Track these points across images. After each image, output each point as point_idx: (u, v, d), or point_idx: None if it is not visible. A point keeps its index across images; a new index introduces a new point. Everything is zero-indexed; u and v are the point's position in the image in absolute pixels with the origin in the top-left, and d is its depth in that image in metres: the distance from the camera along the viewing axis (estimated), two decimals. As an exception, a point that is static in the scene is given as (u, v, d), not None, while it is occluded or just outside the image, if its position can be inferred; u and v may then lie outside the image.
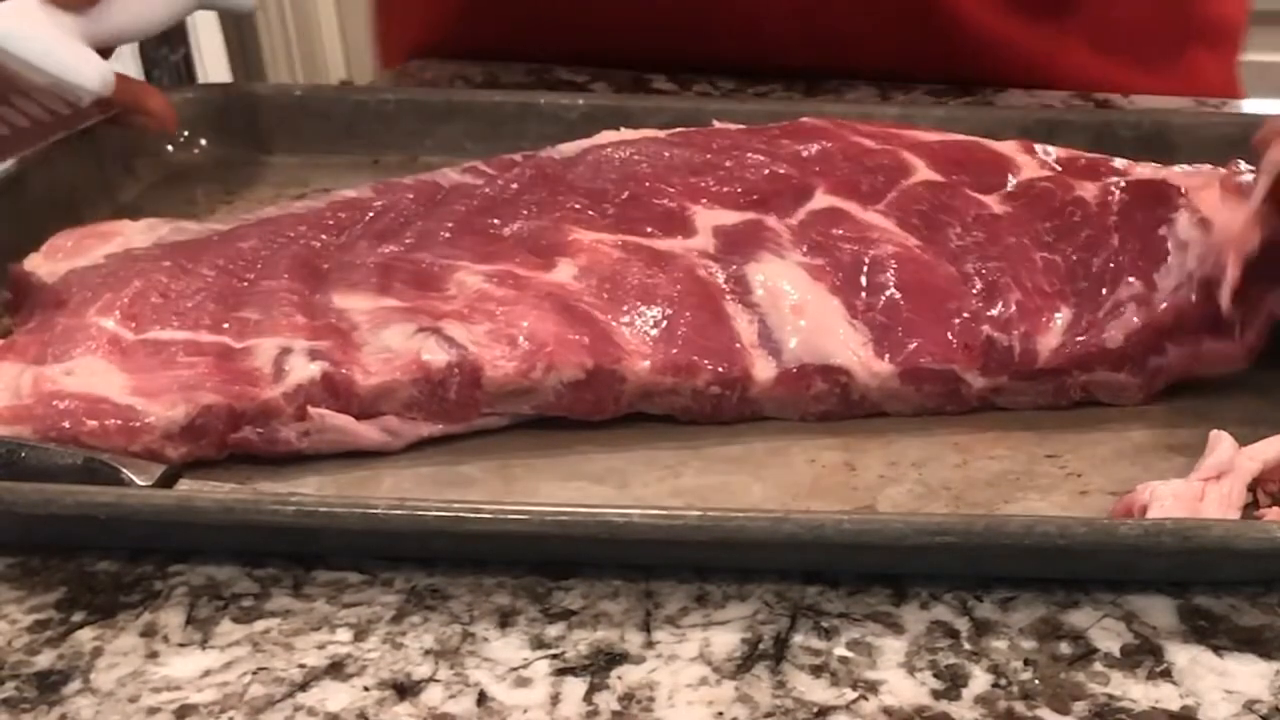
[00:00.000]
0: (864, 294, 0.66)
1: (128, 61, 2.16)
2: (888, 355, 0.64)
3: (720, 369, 0.64)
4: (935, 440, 0.64)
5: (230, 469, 0.63)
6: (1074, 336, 0.64)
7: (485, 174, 0.77)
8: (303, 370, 0.63)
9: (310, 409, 0.63)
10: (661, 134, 0.78)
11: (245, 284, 0.69)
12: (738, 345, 0.65)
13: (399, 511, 0.55)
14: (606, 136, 0.79)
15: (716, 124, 0.80)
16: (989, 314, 0.65)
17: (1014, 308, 0.65)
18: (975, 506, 0.59)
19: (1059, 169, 0.74)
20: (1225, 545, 0.53)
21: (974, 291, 0.66)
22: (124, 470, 0.60)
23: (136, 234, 0.75)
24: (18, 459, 0.60)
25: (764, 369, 0.64)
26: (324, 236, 0.73)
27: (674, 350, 0.64)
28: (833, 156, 0.74)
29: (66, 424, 0.61)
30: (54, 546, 0.58)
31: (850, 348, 0.64)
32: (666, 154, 0.76)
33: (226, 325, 0.66)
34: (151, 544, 0.58)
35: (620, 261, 0.68)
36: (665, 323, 0.65)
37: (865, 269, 0.67)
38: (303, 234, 0.73)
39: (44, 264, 0.73)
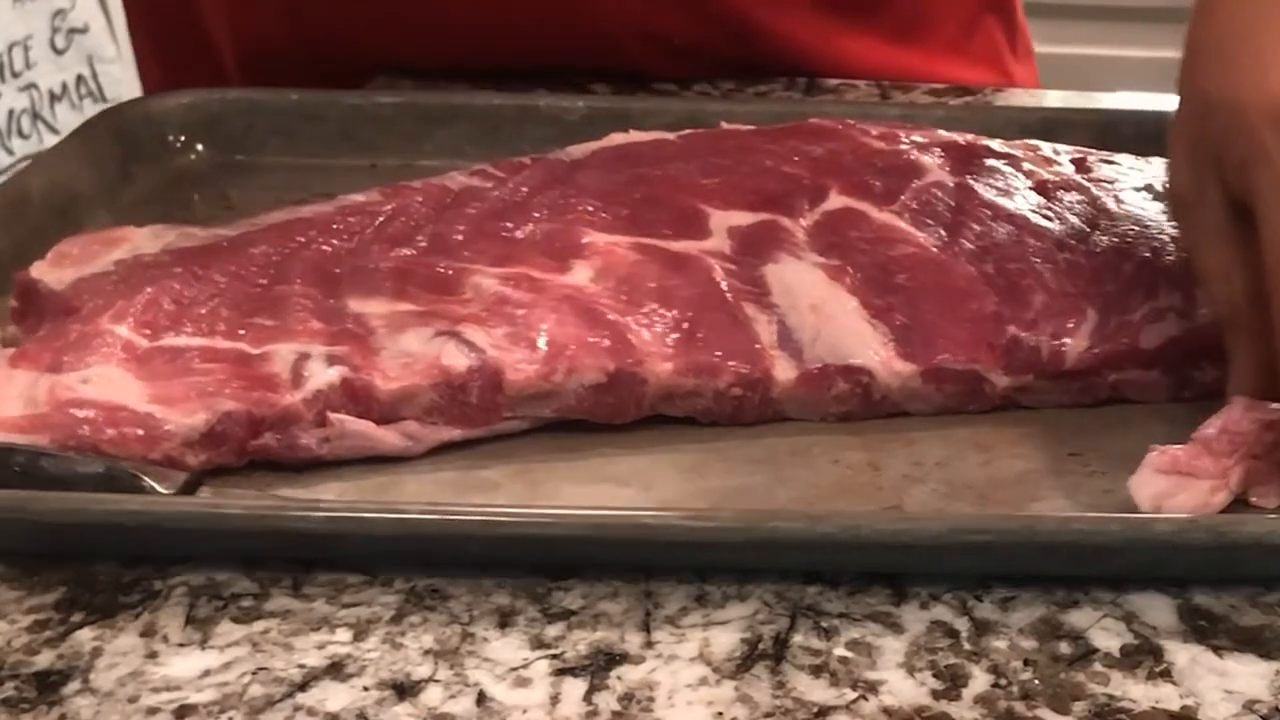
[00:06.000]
0: (883, 294, 0.66)
1: (127, 63, 2.16)
2: (909, 355, 0.64)
3: (741, 370, 0.64)
4: (957, 439, 0.64)
5: (249, 476, 0.63)
6: (1104, 337, 0.64)
7: (494, 177, 0.77)
8: (322, 376, 0.63)
9: (330, 415, 0.62)
10: (671, 135, 0.78)
11: (258, 290, 0.69)
12: (758, 346, 0.65)
13: (432, 516, 0.55)
14: (616, 138, 0.79)
15: (724, 125, 0.80)
16: (1014, 314, 0.65)
17: (1039, 308, 0.65)
18: (1002, 505, 0.59)
19: (1071, 168, 0.74)
20: (1258, 542, 0.53)
21: (996, 292, 0.66)
22: (145, 478, 0.59)
23: (144, 240, 0.74)
24: (37, 468, 0.60)
25: (785, 370, 0.64)
26: (335, 241, 0.72)
27: (695, 352, 0.64)
28: (843, 157, 0.74)
29: (85, 432, 0.61)
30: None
31: (871, 348, 0.64)
32: (676, 155, 0.76)
33: (242, 331, 0.66)
34: (176, 552, 0.57)
35: (636, 263, 0.68)
36: (685, 325, 0.65)
37: (883, 269, 0.67)
38: (313, 239, 0.72)
39: (51, 271, 0.72)
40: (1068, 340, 0.64)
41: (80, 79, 2.11)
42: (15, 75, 2.00)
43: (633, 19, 0.97)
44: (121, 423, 0.61)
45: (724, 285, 0.67)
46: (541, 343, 0.64)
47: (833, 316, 0.65)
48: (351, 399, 0.63)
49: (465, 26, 0.99)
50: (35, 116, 2.03)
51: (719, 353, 0.64)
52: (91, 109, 2.12)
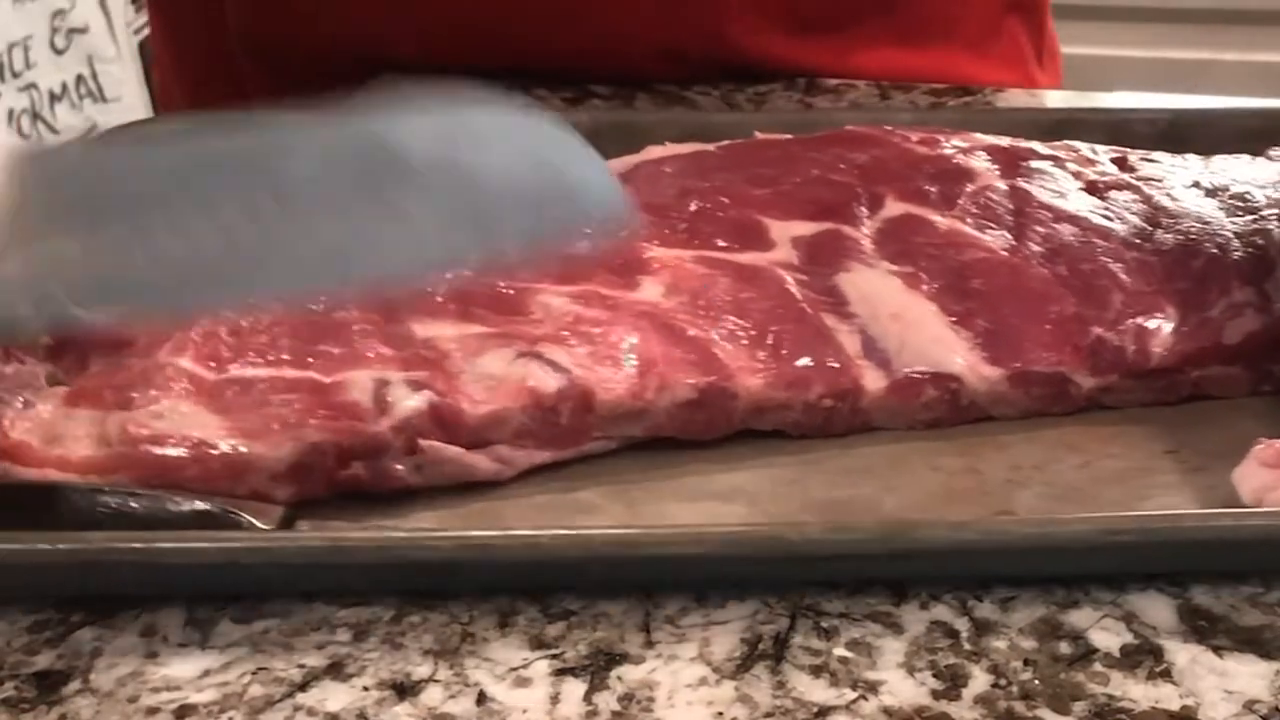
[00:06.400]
0: (961, 300, 0.66)
1: (127, 63, 2.12)
2: (995, 360, 0.64)
3: (831, 381, 0.63)
4: (1048, 441, 0.64)
5: (340, 508, 0.61)
6: (1186, 335, 0.65)
7: (535, 194, 0.75)
8: (408, 402, 0.62)
9: (421, 441, 0.61)
10: (710, 147, 0.78)
11: (314, 317, 0.67)
12: (844, 357, 0.64)
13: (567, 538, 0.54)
14: (653, 151, 0.78)
15: (759, 135, 0.80)
16: (1095, 314, 0.65)
17: (1119, 307, 0.66)
18: (1113, 506, 0.59)
19: (1114, 168, 0.74)
20: None
21: (1073, 293, 0.66)
22: (243, 514, 0.58)
23: (179, 271, 0.72)
24: (127, 508, 0.58)
25: (874, 379, 0.64)
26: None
27: (783, 365, 0.64)
28: (890, 163, 0.74)
29: (167, 469, 0.59)
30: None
31: (957, 354, 0.64)
32: (720, 167, 0.75)
33: (311, 360, 0.64)
34: (287, 590, 0.56)
35: (706, 277, 0.68)
36: (769, 338, 0.65)
37: (957, 275, 0.67)
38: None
39: (87, 305, 0.70)
40: (1151, 339, 0.65)
41: (80, 79, 2.08)
42: (15, 75, 1.97)
43: (650, 36, 0.97)
44: (205, 458, 0.60)
45: (799, 296, 0.67)
46: (628, 361, 0.63)
47: (915, 324, 0.65)
48: (439, 425, 0.62)
49: (478, 27, 0.99)
50: (35, 116, 1.99)
51: (807, 365, 0.64)
52: (91, 109, 2.09)
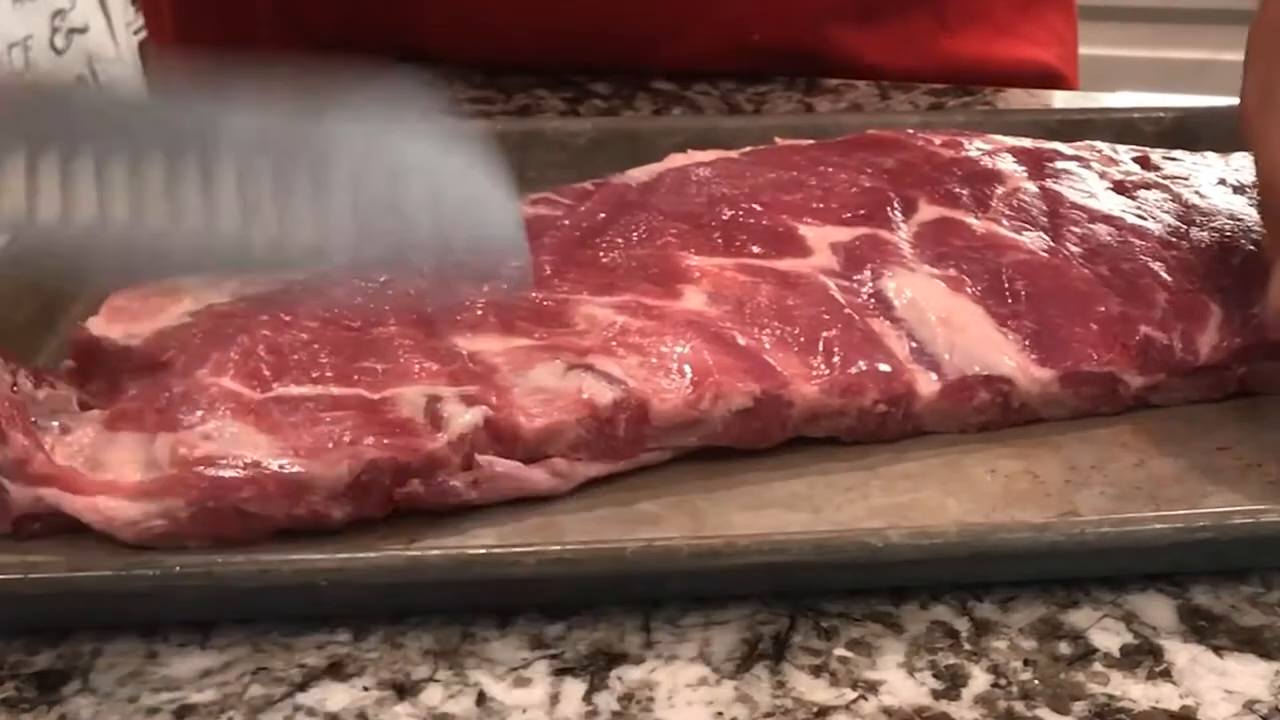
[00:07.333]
0: (1006, 302, 0.66)
1: (127, 63, 2.10)
2: (1046, 361, 0.65)
3: (885, 386, 0.63)
4: (1101, 441, 0.64)
5: (396, 526, 0.60)
6: (1232, 331, 0.65)
7: (561, 204, 0.75)
8: (463, 417, 0.61)
9: (478, 457, 0.60)
10: (734, 154, 0.78)
11: (353, 333, 0.67)
12: (895, 362, 0.64)
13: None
14: (677, 159, 0.78)
15: (779, 140, 0.80)
16: (1140, 313, 0.66)
17: (1164, 306, 0.66)
18: (1176, 504, 0.60)
19: (1138, 167, 0.75)
20: None
21: (1117, 292, 0.67)
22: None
23: (205, 290, 0.71)
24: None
25: (926, 384, 0.64)
26: (417, 279, 0.70)
27: (835, 371, 0.64)
28: (918, 167, 0.74)
29: (223, 491, 0.58)
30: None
31: (1007, 356, 0.65)
32: (747, 174, 0.75)
33: (356, 377, 0.64)
34: (370, 610, 0.55)
35: (748, 285, 0.67)
36: (819, 344, 0.64)
37: (999, 277, 0.67)
38: (393, 279, 0.70)
39: (113, 327, 0.69)
40: (1198, 336, 0.65)
41: (80, 79, 2.06)
42: (14, 76, 1.96)
43: (719, 21, 0.97)
44: (261, 479, 0.59)
45: (843, 302, 0.66)
46: (681, 371, 0.63)
47: (964, 328, 0.65)
48: (495, 439, 0.61)
49: (523, 20, 0.98)
50: (35, 117, 1.97)
51: (860, 370, 0.64)
52: (91, 110, 2.07)
